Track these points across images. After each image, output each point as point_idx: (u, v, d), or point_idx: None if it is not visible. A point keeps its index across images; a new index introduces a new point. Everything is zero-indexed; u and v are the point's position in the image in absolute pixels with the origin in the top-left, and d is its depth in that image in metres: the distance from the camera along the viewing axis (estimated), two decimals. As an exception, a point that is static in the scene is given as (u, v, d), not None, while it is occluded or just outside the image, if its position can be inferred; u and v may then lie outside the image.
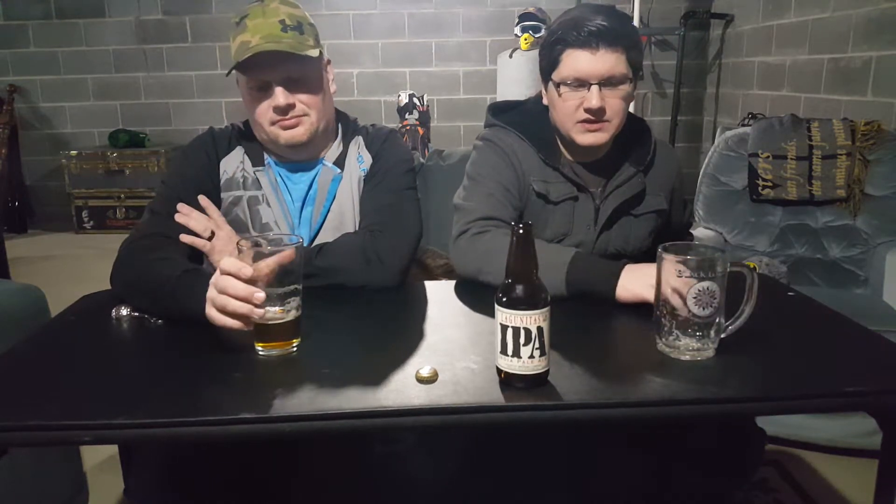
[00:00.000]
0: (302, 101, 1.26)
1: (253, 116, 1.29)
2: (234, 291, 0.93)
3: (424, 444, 1.21)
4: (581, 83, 1.25)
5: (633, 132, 1.39)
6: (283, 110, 1.24)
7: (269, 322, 0.96)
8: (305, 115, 1.27)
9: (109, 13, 4.71)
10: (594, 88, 1.24)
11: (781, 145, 2.30)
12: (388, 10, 4.68)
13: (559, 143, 1.37)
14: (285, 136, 1.27)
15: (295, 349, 0.99)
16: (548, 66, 1.31)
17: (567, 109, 1.28)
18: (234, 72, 1.26)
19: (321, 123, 1.30)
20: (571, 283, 1.14)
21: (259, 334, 0.97)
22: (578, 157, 1.37)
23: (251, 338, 0.99)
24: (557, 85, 1.28)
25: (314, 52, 1.25)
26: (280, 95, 1.23)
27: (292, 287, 0.96)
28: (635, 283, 1.09)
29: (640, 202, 1.38)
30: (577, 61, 1.25)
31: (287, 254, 0.96)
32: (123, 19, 4.72)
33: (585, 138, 1.29)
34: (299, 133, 1.27)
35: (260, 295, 0.93)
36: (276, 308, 0.96)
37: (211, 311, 0.97)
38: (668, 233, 1.45)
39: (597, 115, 1.26)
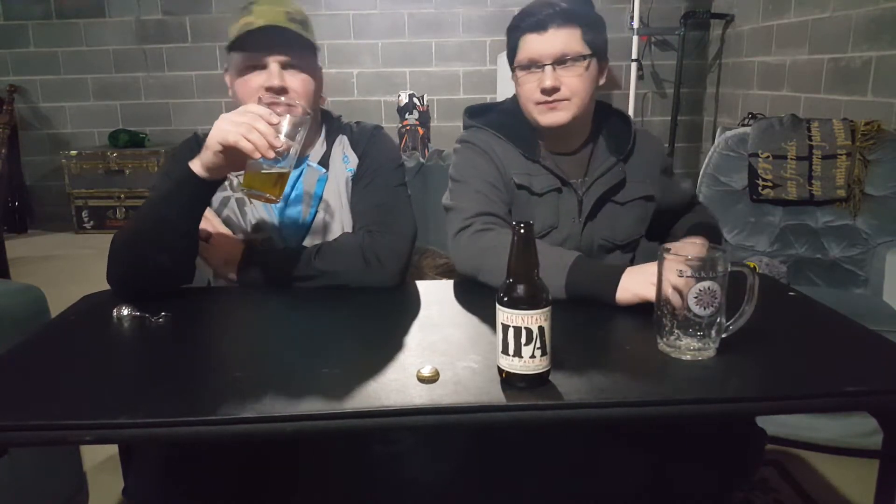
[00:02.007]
0: (294, 87, 1.25)
1: (242, 100, 1.26)
2: (267, 117, 1.06)
3: (424, 444, 1.21)
4: (535, 64, 1.29)
5: (612, 124, 1.40)
6: (276, 91, 1.23)
7: (268, 171, 1.09)
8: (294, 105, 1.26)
9: (109, 13, 4.71)
10: (548, 69, 1.27)
11: (781, 145, 2.30)
12: (388, 10, 4.68)
13: (537, 136, 1.38)
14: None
15: (278, 200, 1.15)
16: (510, 55, 1.35)
17: (527, 93, 1.31)
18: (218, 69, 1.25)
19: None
20: (571, 286, 1.13)
21: (256, 180, 1.10)
22: (555, 147, 1.38)
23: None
24: (517, 70, 1.32)
25: (309, 44, 1.26)
26: (275, 75, 1.23)
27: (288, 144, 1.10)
28: (634, 283, 1.09)
29: (623, 190, 1.38)
30: (529, 44, 1.29)
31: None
32: (123, 19, 4.72)
33: (545, 118, 1.31)
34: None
35: (279, 141, 1.06)
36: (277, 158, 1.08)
37: (230, 131, 1.05)
38: (675, 210, 1.46)
39: (551, 94, 1.28)
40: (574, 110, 1.30)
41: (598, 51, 1.30)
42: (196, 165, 1.12)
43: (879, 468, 0.95)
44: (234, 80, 1.28)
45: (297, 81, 1.25)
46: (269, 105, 1.18)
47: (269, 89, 1.22)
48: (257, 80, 1.23)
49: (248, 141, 1.04)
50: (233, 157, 1.08)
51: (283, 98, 1.19)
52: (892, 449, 0.94)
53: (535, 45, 1.28)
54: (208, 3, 4.68)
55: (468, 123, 1.44)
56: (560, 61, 1.27)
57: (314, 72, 1.29)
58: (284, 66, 1.24)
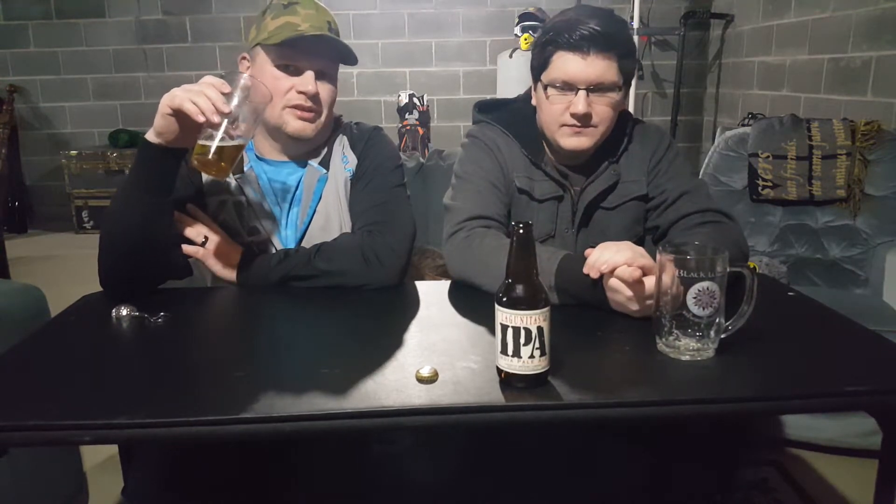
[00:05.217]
0: (323, 96, 1.28)
1: None
2: (219, 86, 1.07)
3: (423, 444, 1.21)
4: (569, 87, 1.25)
5: (615, 126, 1.35)
6: (310, 97, 1.26)
7: (220, 144, 1.08)
8: (320, 112, 1.29)
9: (109, 13, 4.71)
10: (581, 94, 1.24)
11: (781, 145, 2.30)
12: (388, 10, 4.68)
13: (544, 142, 1.37)
14: (295, 125, 1.27)
15: (224, 175, 1.15)
16: (538, 66, 1.30)
17: (553, 112, 1.28)
18: (230, 55, 1.26)
19: (324, 126, 1.32)
20: (561, 291, 1.12)
21: (204, 151, 1.09)
22: (562, 160, 1.36)
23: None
24: (546, 87, 1.28)
25: (354, 58, 1.30)
26: (311, 82, 1.25)
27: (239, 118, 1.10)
28: (608, 253, 1.05)
29: (614, 193, 1.35)
30: (566, 64, 1.24)
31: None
32: (123, 19, 4.72)
33: (569, 142, 1.29)
34: (310, 128, 1.28)
35: (227, 107, 1.06)
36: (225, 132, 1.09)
37: (177, 96, 1.06)
38: (666, 205, 1.34)
39: (582, 121, 1.26)
40: (598, 137, 1.29)
41: (628, 79, 1.28)
42: (150, 133, 1.13)
43: (879, 468, 0.95)
44: (257, 74, 1.28)
45: (325, 91, 1.29)
46: (294, 107, 1.25)
47: (302, 93, 1.25)
48: (289, 81, 1.25)
49: (194, 104, 1.04)
50: (184, 124, 1.09)
51: (309, 106, 1.25)
52: (892, 449, 0.94)
53: (574, 67, 1.23)
54: (208, 3, 4.68)
55: (477, 118, 1.43)
56: (595, 88, 1.24)
57: (336, 81, 1.33)
58: (317, 75, 1.27)
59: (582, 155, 1.34)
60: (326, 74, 1.29)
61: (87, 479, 1.65)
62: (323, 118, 1.30)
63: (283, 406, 0.82)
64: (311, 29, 1.23)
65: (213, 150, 1.08)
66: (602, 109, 1.26)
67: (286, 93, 1.25)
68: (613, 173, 1.35)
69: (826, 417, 1.86)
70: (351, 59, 1.30)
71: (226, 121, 1.07)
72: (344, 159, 1.36)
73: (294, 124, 1.27)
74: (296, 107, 1.26)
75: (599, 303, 1.08)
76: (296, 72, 1.26)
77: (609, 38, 1.22)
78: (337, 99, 1.36)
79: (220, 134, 1.08)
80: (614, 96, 1.26)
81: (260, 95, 1.14)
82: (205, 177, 1.31)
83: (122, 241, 1.16)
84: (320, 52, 1.26)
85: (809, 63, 3.29)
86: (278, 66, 1.26)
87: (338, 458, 1.17)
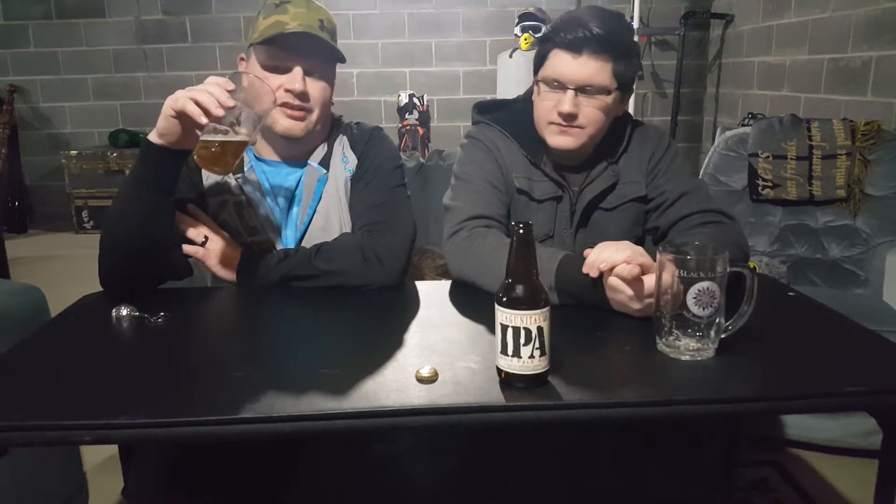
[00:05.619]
0: (313, 95, 1.27)
1: None
2: (223, 84, 1.06)
3: (423, 444, 1.21)
4: (560, 85, 1.26)
5: (614, 128, 1.36)
6: (298, 95, 1.25)
7: (222, 139, 1.09)
8: (311, 110, 1.28)
9: (109, 13, 4.71)
10: (570, 93, 1.24)
11: (781, 145, 2.30)
12: (388, 10, 4.68)
13: (543, 143, 1.37)
14: (284, 124, 1.27)
15: (226, 172, 1.20)
16: (537, 62, 1.32)
17: (543, 109, 1.29)
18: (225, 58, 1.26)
19: (318, 125, 1.31)
20: (561, 291, 1.12)
21: (206, 148, 1.10)
22: (559, 160, 1.36)
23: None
24: (539, 83, 1.30)
25: (341, 56, 1.29)
26: (298, 80, 1.24)
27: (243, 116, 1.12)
28: (606, 253, 1.06)
29: (613, 194, 1.35)
30: (558, 63, 1.25)
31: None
32: (123, 19, 4.72)
33: (555, 140, 1.29)
34: (299, 127, 1.27)
35: (230, 101, 1.06)
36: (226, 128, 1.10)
37: (180, 98, 1.06)
38: (666, 205, 1.34)
39: (568, 121, 1.26)
40: (585, 139, 1.29)
41: (624, 84, 1.28)
42: (152, 134, 1.14)
43: (879, 468, 0.95)
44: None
45: (316, 89, 1.27)
46: (283, 105, 1.23)
47: (291, 91, 1.24)
48: (278, 80, 1.24)
49: (196, 103, 1.04)
50: (186, 126, 1.09)
51: (298, 104, 1.24)
52: (892, 449, 0.94)
53: (564, 65, 1.24)
54: (208, 3, 4.68)
55: (476, 119, 1.43)
56: (583, 89, 1.24)
57: (331, 80, 1.31)
58: (307, 73, 1.26)
59: (574, 155, 1.34)
60: (316, 72, 1.27)
61: (87, 479, 1.65)
62: (314, 117, 1.29)
63: (283, 406, 0.82)
64: (298, 27, 1.22)
65: (216, 144, 1.08)
66: (590, 111, 1.26)
67: (276, 91, 1.24)
68: (612, 174, 1.35)
69: (826, 417, 1.86)
70: (338, 56, 1.29)
71: (229, 117, 1.07)
72: (344, 159, 1.36)
73: (283, 123, 1.26)
74: (284, 105, 1.25)
75: (599, 303, 1.08)
76: (285, 71, 1.25)
77: (604, 40, 1.22)
78: (337, 99, 1.35)
79: (223, 128, 1.08)
80: (604, 99, 1.26)
81: (263, 94, 1.15)
82: (205, 177, 1.31)
83: (122, 241, 1.16)
84: (307, 50, 1.25)
85: (809, 63, 3.29)
86: (267, 66, 1.25)
87: (338, 458, 1.17)
